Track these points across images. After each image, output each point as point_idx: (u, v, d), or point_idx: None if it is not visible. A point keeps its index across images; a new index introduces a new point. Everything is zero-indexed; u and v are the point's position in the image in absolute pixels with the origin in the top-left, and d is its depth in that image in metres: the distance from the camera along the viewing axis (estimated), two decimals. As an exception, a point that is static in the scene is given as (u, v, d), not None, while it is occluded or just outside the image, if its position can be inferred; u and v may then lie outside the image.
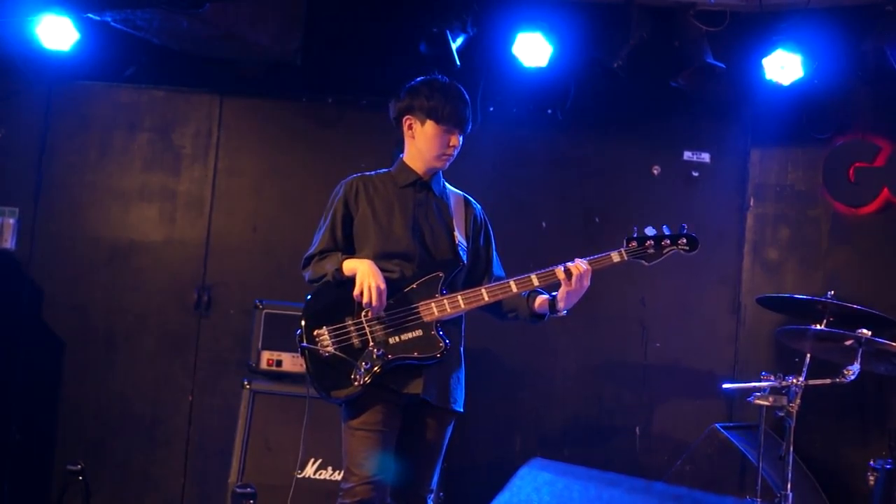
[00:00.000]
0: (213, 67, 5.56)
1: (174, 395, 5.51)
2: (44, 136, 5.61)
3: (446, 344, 3.39)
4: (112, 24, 4.96)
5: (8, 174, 5.60)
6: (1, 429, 5.44)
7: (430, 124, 3.49)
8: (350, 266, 3.40)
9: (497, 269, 3.67)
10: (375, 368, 3.35)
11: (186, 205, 5.61)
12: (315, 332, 3.41)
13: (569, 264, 3.40)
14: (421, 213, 3.53)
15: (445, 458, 3.58)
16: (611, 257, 3.46)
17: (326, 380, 3.39)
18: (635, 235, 3.49)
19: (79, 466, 5.05)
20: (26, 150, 5.59)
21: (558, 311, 3.50)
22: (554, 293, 3.48)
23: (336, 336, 3.40)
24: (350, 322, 3.41)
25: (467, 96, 3.55)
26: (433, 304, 3.41)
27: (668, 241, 3.50)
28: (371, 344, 3.38)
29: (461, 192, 3.70)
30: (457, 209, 3.61)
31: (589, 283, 3.42)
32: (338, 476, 4.57)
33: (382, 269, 3.41)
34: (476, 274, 3.63)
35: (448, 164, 3.56)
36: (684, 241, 3.51)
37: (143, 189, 5.62)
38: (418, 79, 3.57)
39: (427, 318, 3.40)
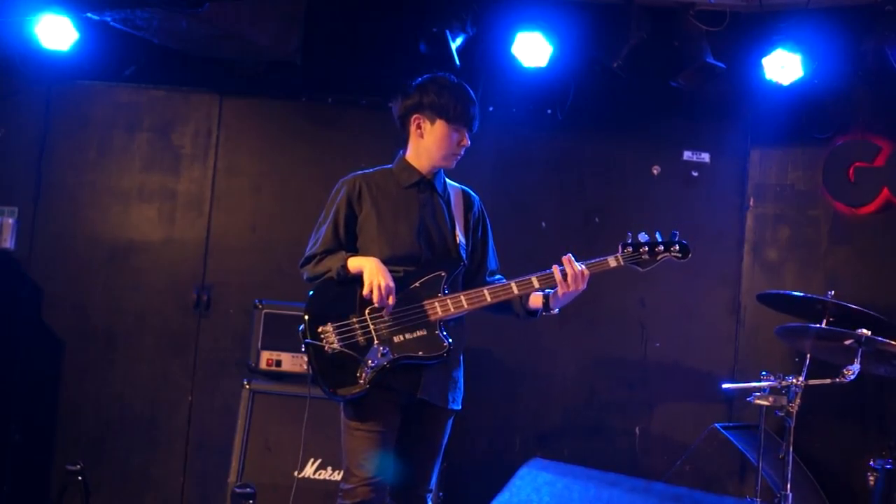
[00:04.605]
0: (213, 67, 5.56)
1: (173, 394, 5.51)
2: (44, 136, 5.60)
3: (450, 344, 3.39)
4: (111, 23, 4.95)
5: (8, 174, 5.60)
6: (1, 429, 5.44)
7: (440, 123, 3.48)
8: (356, 264, 3.39)
9: (492, 261, 3.68)
10: (382, 366, 3.35)
11: (186, 204, 5.61)
12: (319, 329, 3.39)
13: (566, 266, 3.41)
14: (426, 214, 3.53)
15: (445, 458, 3.58)
16: (608, 262, 3.49)
17: (332, 377, 3.37)
18: (630, 241, 3.53)
19: (78, 466, 5.04)
20: (26, 149, 5.59)
21: (551, 310, 3.53)
22: (549, 290, 3.50)
23: (341, 333, 3.39)
24: (355, 319, 3.40)
25: (474, 95, 3.55)
26: (437, 304, 3.41)
27: (661, 248, 3.54)
28: (376, 342, 3.38)
29: (460, 186, 3.70)
30: (457, 206, 3.61)
31: (585, 286, 3.44)
32: (337, 476, 4.57)
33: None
34: (471, 267, 3.63)
35: (455, 163, 3.56)
36: (676, 248, 3.54)
37: (143, 189, 5.62)
38: (425, 76, 3.56)
39: (431, 318, 3.40)
